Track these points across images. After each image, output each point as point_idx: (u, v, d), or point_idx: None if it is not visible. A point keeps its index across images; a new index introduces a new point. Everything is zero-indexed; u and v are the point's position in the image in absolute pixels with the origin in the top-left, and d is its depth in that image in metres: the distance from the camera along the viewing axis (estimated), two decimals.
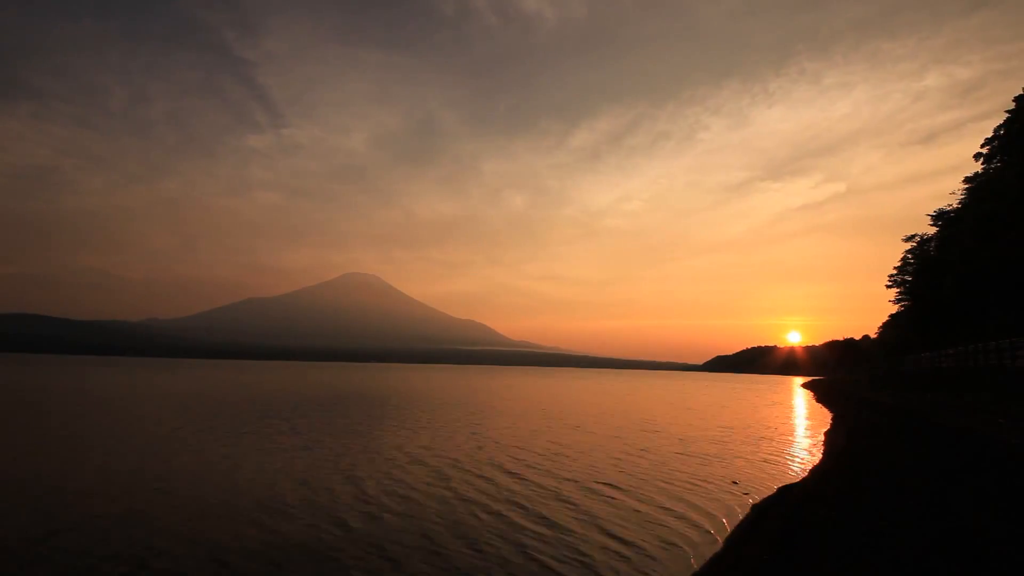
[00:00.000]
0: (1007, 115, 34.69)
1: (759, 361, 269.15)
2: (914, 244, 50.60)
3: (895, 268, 54.12)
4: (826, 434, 21.11)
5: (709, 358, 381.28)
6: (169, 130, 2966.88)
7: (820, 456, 15.90)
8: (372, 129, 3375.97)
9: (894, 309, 60.65)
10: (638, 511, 9.58)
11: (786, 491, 10.81)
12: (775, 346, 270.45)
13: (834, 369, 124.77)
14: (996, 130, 35.86)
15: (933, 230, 46.67)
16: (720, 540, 8.00)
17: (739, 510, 9.74)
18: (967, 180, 40.20)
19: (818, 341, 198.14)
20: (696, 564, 7.05)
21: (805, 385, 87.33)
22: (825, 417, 29.61)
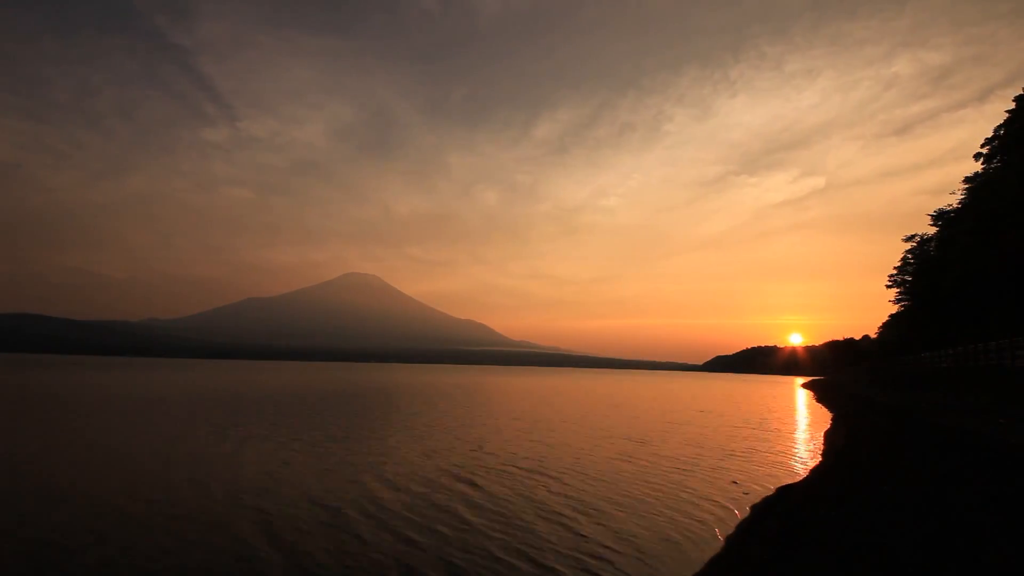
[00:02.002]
0: (1007, 115, 34.74)
1: (759, 361, 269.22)
2: (914, 244, 50.66)
3: (895, 268, 54.20)
4: (826, 434, 21.15)
5: (708, 358, 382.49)
6: (120, 123, 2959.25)
7: (820, 456, 15.95)
8: (327, 121, 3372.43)
9: (891, 306, 60.71)
10: (637, 510, 9.63)
11: (786, 491, 10.85)
12: (775, 346, 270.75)
13: (834, 369, 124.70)
14: (996, 130, 35.91)
15: (932, 230, 46.76)
16: (720, 540, 8.04)
17: (739, 510, 9.78)
18: (967, 180, 40.23)
19: (817, 341, 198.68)
20: (696, 564, 7.09)
21: (805, 385, 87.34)
22: (825, 417, 29.65)
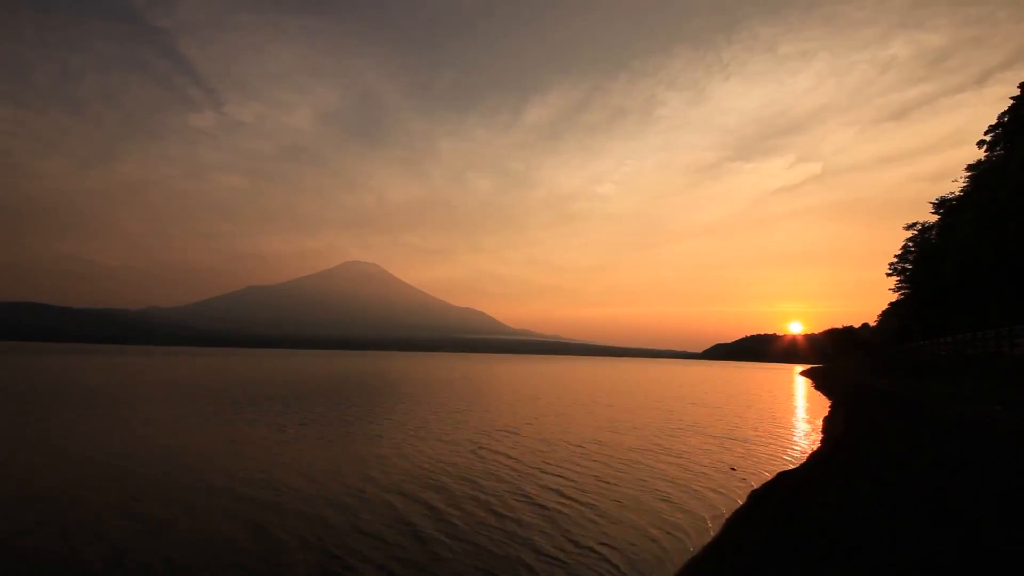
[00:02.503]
0: (1011, 101, 34.48)
1: (758, 349, 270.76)
2: (915, 232, 50.56)
3: (895, 256, 54.15)
4: (824, 421, 21.31)
5: (707, 346, 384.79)
6: (105, 109, 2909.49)
7: (818, 442, 16.08)
8: (314, 105, 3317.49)
9: (891, 294, 60.76)
10: (636, 496, 9.74)
11: (784, 477, 10.96)
12: (774, 334, 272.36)
13: (833, 357, 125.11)
14: (1000, 117, 35.67)
15: (933, 217, 46.65)
16: (718, 525, 8.13)
17: (737, 495, 9.89)
18: (969, 168, 40.02)
19: (816, 328, 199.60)
20: (694, 549, 7.18)
21: (804, 373, 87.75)
22: (823, 404, 29.84)
